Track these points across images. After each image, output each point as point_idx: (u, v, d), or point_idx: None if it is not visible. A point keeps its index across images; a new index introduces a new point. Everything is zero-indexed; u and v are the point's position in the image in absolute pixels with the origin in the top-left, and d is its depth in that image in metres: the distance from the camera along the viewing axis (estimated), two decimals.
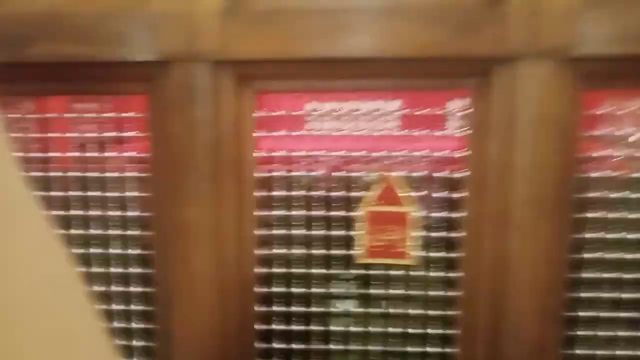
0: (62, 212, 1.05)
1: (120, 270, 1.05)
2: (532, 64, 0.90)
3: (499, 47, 0.91)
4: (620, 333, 0.98)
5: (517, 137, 0.91)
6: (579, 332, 0.97)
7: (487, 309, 0.95)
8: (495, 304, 0.94)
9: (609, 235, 0.96)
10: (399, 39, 0.92)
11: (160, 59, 0.94)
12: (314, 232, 1.01)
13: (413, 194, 0.99)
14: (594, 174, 0.96)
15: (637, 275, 0.96)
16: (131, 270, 1.04)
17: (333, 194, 1.01)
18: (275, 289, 1.02)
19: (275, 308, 1.02)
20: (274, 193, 1.01)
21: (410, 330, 1.01)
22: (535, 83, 0.90)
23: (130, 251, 1.04)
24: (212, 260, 0.97)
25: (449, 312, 1.00)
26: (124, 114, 1.02)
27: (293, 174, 1.01)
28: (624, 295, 0.97)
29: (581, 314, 0.97)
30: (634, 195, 0.95)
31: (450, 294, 1.00)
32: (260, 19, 0.93)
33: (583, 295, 0.97)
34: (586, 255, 0.97)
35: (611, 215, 0.95)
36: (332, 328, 1.02)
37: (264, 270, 1.02)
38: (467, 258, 0.98)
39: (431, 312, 1.00)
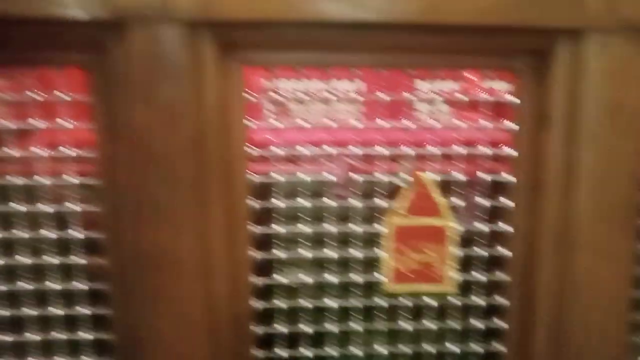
0: None
1: (61, 311, 0.77)
2: (607, 39, 0.71)
3: (566, 15, 0.71)
4: None
5: (584, 132, 0.73)
6: None
7: (544, 344, 0.78)
8: (555, 338, 0.77)
9: None
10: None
11: (113, 18, 0.64)
12: (326, 254, 0.78)
13: (451, 201, 0.78)
14: None
15: None
16: (78, 311, 0.78)
17: (350, 202, 0.78)
18: (277, 328, 0.79)
19: (278, 351, 0.80)
20: (274, 203, 0.77)
21: None
22: (609, 64, 0.71)
23: (75, 285, 0.77)
24: (196, 296, 0.71)
25: (494, 348, 0.83)
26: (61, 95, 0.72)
27: (297, 177, 0.77)
28: None
29: None
30: None
31: (495, 325, 0.82)
32: None
33: None
34: None
35: None
36: None
37: (263, 304, 0.79)
38: (515, 282, 0.80)
39: (472, 348, 0.82)
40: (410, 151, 0.77)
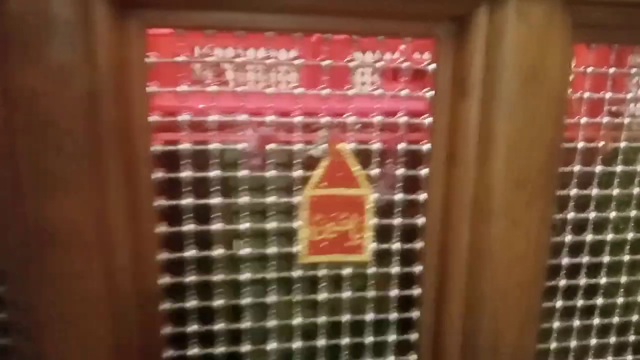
0: None
1: None
2: (525, 6, 0.69)
3: None
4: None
5: (500, 99, 0.72)
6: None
7: (459, 309, 0.79)
8: (470, 304, 0.78)
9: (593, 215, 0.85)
10: None
11: None
12: (239, 226, 0.75)
13: (367, 171, 0.76)
14: (574, 145, 0.81)
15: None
16: None
17: (265, 173, 0.75)
18: (188, 304, 0.76)
19: (190, 329, 0.77)
20: (182, 174, 0.73)
21: (363, 339, 0.82)
22: (527, 31, 0.70)
23: None
24: (97, 272, 0.67)
25: (408, 315, 0.83)
26: None
27: (208, 146, 0.73)
28: None
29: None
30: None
31: (409, 293, 0.82)
32: None
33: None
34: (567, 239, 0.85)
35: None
36: (270, 347, 0.80)
37: (172, 279, 0.75)
38: (430, 250, 0.80)
39: (386, 316, 0.82)
40: (327, 120, 0.74)
